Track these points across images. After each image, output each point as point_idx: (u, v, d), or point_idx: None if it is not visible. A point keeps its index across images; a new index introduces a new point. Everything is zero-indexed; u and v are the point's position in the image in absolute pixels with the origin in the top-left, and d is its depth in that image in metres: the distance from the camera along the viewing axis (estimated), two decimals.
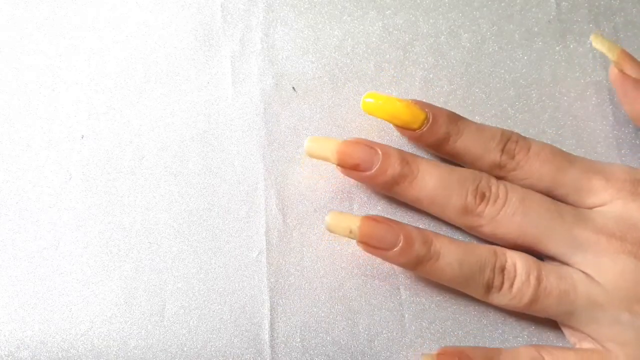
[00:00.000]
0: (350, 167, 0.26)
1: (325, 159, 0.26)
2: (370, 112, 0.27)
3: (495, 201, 0.25)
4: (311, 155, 0.26)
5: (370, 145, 0.26)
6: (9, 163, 0.30)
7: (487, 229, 0.26)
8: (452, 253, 0.25)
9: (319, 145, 0.26)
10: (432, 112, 0.26)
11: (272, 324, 0.27)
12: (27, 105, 0.30)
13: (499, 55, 0.30)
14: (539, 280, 0.25)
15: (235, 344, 0.27)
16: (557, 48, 0.30)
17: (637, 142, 0.28)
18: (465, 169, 0.26)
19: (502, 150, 0.26)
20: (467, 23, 0.30)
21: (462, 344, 0.26)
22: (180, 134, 0.30)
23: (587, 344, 0.25)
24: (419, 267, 0.25)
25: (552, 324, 0.26)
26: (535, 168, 0.26)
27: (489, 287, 0.25)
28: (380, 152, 0.26)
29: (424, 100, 0.27)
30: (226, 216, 0.28)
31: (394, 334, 0.27)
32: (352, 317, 0.27)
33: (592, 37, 0.27)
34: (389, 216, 0.28)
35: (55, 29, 0.31)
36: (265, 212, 0.28)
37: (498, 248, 0.26)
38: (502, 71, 0.30)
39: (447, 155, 0.27)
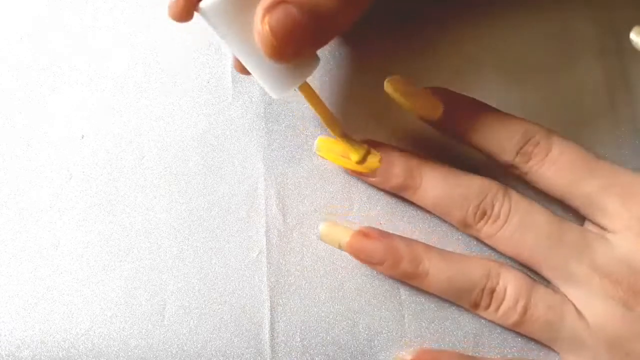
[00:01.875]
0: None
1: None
2: (391, 95, 0.26)
3: (495, 221, 0.25)
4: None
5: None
6: (9, 163, 0.30)
7: (486, 242, 0.26)
8: (441, 272, 0.25)
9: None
10: (450, 101, 0.26)
11: (272, 324, 0.27)
12: (27, 105, 0.30)
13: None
14: (525, 308, 0.25)
15: (235, 343, 0.27)
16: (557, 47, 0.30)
17: (637, 142, 0.28)
18: (474, 180, 0.26)
19: (518, 152, 0.25)
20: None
21: (462, 344, 0.26)
22: (180, 134, 0.30)
23: None
24: (408, 281, 0.26)
25: None
26: (547, 176, 0.25)
27: (476, 305, 0.26)
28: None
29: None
30: (226, 216, 0.28)
31: (394, 333, 0.27)
32: (352, 317, 0.27)
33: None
34: (388, 216, 0.28)
35: (55, 29, 0.31)
36: (265, 212, 0.28)
37: (493, 267, 0.25)
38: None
39: (466, 145, 0.27)
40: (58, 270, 0.28)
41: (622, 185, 0.24)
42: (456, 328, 0.27)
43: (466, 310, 0.27)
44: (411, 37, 0.30)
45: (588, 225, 0.26)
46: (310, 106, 0.25)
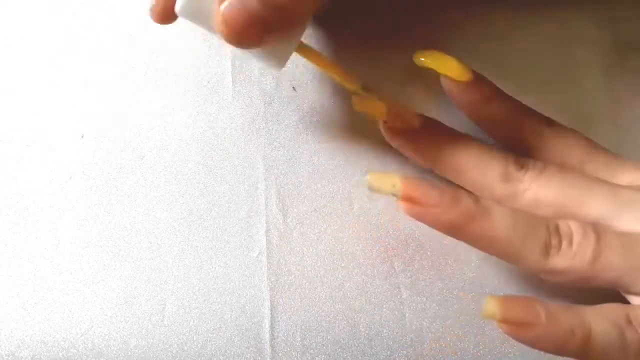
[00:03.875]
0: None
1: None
2: (422, 63, 0.26)
3: (534, 167, 0.25)
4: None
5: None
6: (9, 163, 0.29)
7: (529, 194, 0.24)
8: (502, 210, 0.23)
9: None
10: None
11: (272, 324, 0.27)
12: (27, 105, 0.30)
13: None
14: (598, 235, 0.23)
15: (236, 343, 0.27)
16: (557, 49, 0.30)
17: (638, 142, 0.29)
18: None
19: (536, 121, 0.26)
20: None
21: (462, 344, 0.26)
22: (180, 134, 0.30)
23: None
24: (469, 227, 0.23)
25: None
26: (567, 144, 0.26)
27: (547, 248, 0.23)
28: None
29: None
30: (226, 216, 0.28)
31: (395, 333, 0.27)
32: (353, 317, 0.27)
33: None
34: (389, 216, 0.28)
35: (55, 28, 0.31)
36: (265, 212, 0.28)
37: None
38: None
39: (484, 118, 0.27)
40: (58, 270, 0.28)
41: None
42: (456, 327, 0.27)
43: (467, 309, 0.27)
44: (411, 37, 0.30)
45: None
46: (318, 67, 0.25)
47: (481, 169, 0.25)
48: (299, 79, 0.30)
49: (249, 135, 0.29)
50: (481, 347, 0.26)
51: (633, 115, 0.29)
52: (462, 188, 0.25)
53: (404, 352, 0.26)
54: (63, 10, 0.32)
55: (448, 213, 0.23)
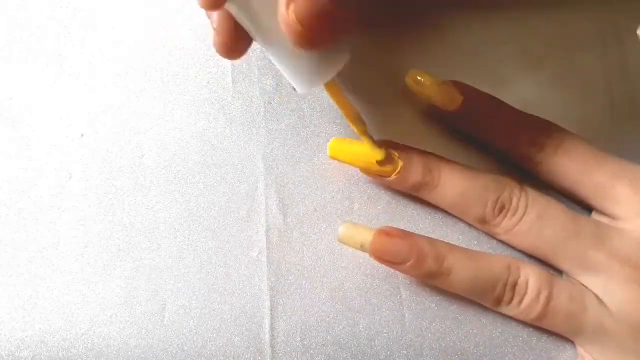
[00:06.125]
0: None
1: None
2: (412, 87, 0.27)
3: (513, 214, 0.25)
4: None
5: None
6: (9, 162, 0.29)
7: (503, 237, 0.26)
8: (464, 270, 0.25)
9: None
10: (468, 94, 0.27)
11: (272, 324, 0.27)
12: (27, 105, 0.30)
13: None
14: (548, 299, 0.25)
15: (236, 343, 0.27)
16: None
17: (638, 140, 0.29)
18: (490, 177, 0.26)
19: (531, 143, 0.26)
20: None
21: (462, 344, 0.27)
22: (180, 133, 0.30)
23: None
24: (431, 281, 0.26)
25: None
26: (560, 164, 0.26)
27: (498, 301, 0.25)
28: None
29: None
30: (226, 216, 0.28)
31: (394, 333, 0.27)
32: (353, 317, 0.27)
33: None
34: (389, 216, 0.28)
35: (55, 28, 0.31)
36: (265, 212, 0.28)
37: (513, 262, 0.25)
38: None
39: (479, 139, 0.28)
40: (58, 270, 0.28)
41: (632, 173, 0.25)
42: (456, 327, 0.27)
43: (466, 309, 0.27)
44: (410, 38, 0.30)
45: (596, 217, 0.26)
46: (335, 104, 0.25)
47: (459, 211, 0.27)
48: None
49: (248, 135, 0.29)
50: (481, 347, 0.26)
51: (633, 115, 0.29)
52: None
53: (404, 352, 0.26)
54: (63, 9, 0.32)
55: (412, 272, 0.26)
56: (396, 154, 0.26)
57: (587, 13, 0.30)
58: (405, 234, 0.26)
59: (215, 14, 0.22)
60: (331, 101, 0.29)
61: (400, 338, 0.27)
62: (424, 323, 0.27)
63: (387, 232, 0.26)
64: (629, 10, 0.30)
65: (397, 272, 0.27)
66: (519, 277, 0.25)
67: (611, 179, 0.25)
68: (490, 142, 0.27)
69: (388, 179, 0.27)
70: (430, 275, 0.25)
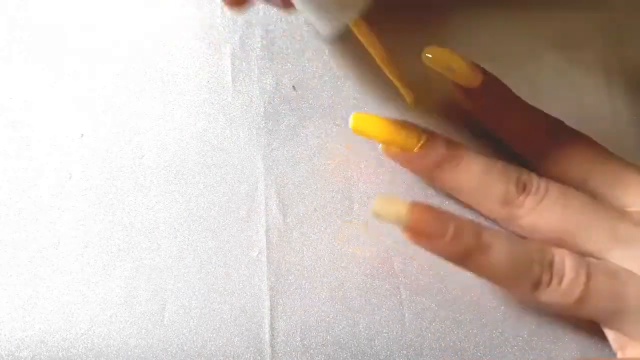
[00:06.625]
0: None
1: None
2: (431, 64, 0.26)
3: (536, 192, 0.25)
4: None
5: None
6: (9, 163, 0.29)
7: (527, 220, 0.25)
8: (502, 246, 0.24)
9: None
10: (487, 76, 0.26)
11: (272, 324, 0.27)
12: (27, 105, 0.30)
13: None
14: (588, 277, 0.23)
15: (235, 343, 0.27)
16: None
17: (638, 141, 0.29)
18: (508, 162, 0.26)
19: (543, 134, 0.26)
20: None
21: (462, 344, 0.26)
22: (180, 133, 0.30)
23: (631, 351, 0.24)
24: (468, 260, 0.24)
25: (552, 324, 0.26)
26: (572, 154, 0.26)
27: (537, 284, 0.24)
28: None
29: None
30: (226, 216, 0.28)
31: (394, 333, 0.27)
32: (353, 317, 0.27)
33: None
34: None
35: (55, 28, 0.31)
36: (265, 212, 0.28)
37: (545, 244, 0.25)
38: None
39: (492, 127, 0.28)
40: (58, 270, 0.28)
41: (637, 164, 0.25)
42: (456, 327, 0.27)
43: (466, 309, 0.27)
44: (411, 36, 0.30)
45: None
46: (365, 45, 0.24)
47: (481, 191, 0.26)
48: (299, 78, 0.30)
49: (249, 135, 0.29)
50: (481, 347, 0.26)
51: (632, 115, 0.29)
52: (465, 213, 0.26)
53: (404, 352, 0.26)
54: (63, 8, 0.32)
55: (449, 247, 0.24)
56: (419, 128, 0.26)
57: (587, 12, 0.30)
58: (441, 209, 0.24)
59: None
60: (332, 101, 0.30)
61: (400, 338, 0.27)
62: (424, 323, 0.27)
63: (424, 205, 0.24)
64: (629, 9, 0.30)
65: (397, 272, 0.27)
66: (554, 256, 0.24)
67: (621, 168, 0.25)
68: (503, 133, 0.27)
69: (410, 153, 0.26)
70: (468, 251, 0.24)
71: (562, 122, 0.26)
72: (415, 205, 0.24)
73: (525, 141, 0.27)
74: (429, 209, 0.24)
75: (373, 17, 0.23)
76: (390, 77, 0.25)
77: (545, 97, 0.29)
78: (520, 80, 0.29)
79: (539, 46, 0.30)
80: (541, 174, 0.26)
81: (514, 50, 0.30)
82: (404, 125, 0.26)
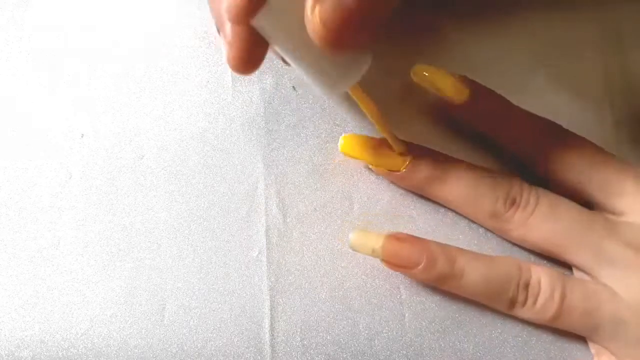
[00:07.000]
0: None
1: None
2: (419, 81, 0.27)
3: (525, 207, 0.25)
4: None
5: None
6: (9, 163, 0.29)
7: (516, 233, 0.26)
8: (476, 270, 0.25)
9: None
10: (475, 89, 0.27)
11: (272, 323, 0.27)
12: (27, 105, 0.30)
13: None
14: (562, 297, 0.24)
15: (235, 343, 0.27)
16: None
17: (637, 141, 0.29)
18: (498, 174, 0.26)
19: (539, 139, 0.26)
20: None
21: (461, 344, 0.26)
22: (180, 133, 0.30)
23: (605, 358, 0.25)
24: (443, 284, 0.26)
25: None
26: (568, 161, 0.26)
27: (512, 303, 0.25)
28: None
29: None
30: (226, 216, 0.28)
31: (394, 333, 0.27)
32: (353, 317, 0.27)
33: None
34: (389, 216, 0.28)
35: (54, 28, 0.31)
36: (265, 212, 0.28)
37: (523, 263, 0.25)
38: None
39: (485, 135, 0.28)
40: (58, 270, 0.28)
41: (635, 169, 0.25)
42: (456, 327, 0.27)
43: (466, 309, 0.27)
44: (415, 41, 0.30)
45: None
46: (360, 105, 0.25)
47: (470, 207, 0.26)
48: (299, 78, 0.30)
49: (248, 135, 0.29)
50: (481, 347, 0.26)
51: (633, 116, 0.29)
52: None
53: (404, 352, 0.26)
54: (63, 9, 0.32)
55: (424, 274, 0.25)
56: (405, 148, 0.27)
57: (588, 14, 0.30)
58: (415, 238, 0.26)
59: (230, 27, 0.22)
60: (331, 101, 0.30)
61: (400, 338, 0.27)
62: (424, 323, 0.27)
63: (397, 237, 0.26)
64: (630, 10, 0.30)
65: (397, 272, 0.27)
66: (530, 276, 0.25)
67: (617, 174, 0.25)
68: (497, 140, 0.27)
69: (397, 173, 0.27)
70: (442, 278, 0.25)
71: (559, 126, 0.26)
72: (388, 238, 0.25)
73: (522, 146, 0.27)
74: (402, 240, 0.25)
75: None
76: (383, 134, 0.26)
77: (544, 106, 0.29)
78: (518, 92, 0.29)
79: (538, 58, 0.30)
80: (538, 175, 0.26)
81: (512, 68, 0.30)
82: (390, 147, 0.27)
